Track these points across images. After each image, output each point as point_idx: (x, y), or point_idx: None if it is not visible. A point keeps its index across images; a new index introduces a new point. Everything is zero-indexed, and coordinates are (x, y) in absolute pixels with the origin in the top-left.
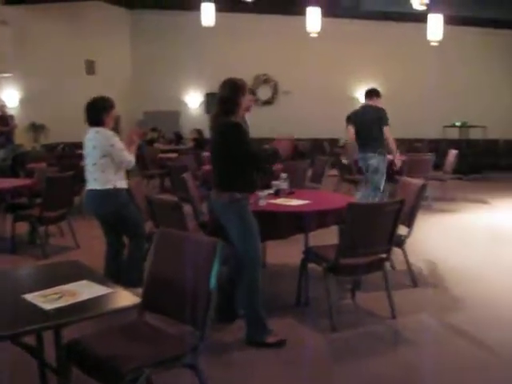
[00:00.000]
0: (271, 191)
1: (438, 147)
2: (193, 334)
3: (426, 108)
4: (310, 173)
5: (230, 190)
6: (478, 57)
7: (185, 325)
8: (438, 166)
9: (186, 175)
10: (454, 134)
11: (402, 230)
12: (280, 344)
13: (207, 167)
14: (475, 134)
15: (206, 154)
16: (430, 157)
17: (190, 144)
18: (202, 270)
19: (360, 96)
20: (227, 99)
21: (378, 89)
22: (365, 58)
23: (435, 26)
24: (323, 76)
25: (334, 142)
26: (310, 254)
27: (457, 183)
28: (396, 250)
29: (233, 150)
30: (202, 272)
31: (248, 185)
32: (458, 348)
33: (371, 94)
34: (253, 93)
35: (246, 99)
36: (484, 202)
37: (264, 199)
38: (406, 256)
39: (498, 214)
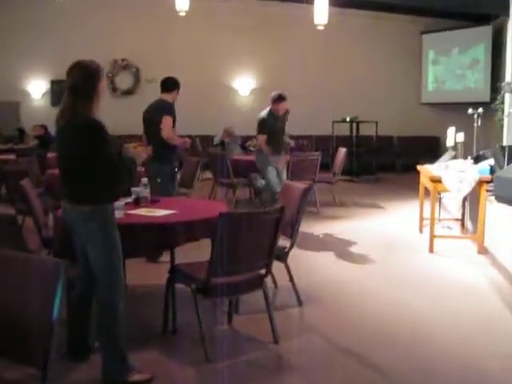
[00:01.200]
0: (129, 200)
1: (328, 145)
2: (35, 376)
3: (314, 100)
4: (178, 176)
5: (88, 199)
6: (371, 44)
7: (25, 366)
8: (326, 166)
9: (25, 182)
10: (344, 130)
11: (283, 241)
12: (145, 383)
13: (53, 171)
14: (367, 130)
15: (52, 154)
16: (316, 156)
17: (33, 142)
18: (44, 297)
19: (239, 87)
20: (80, 87)
21: (258, 79)
22: (242, 43)
23: (322, 7)
24: (194, 63)
25: (206, 139)
26: (177, 273)
27: (347, 186)
28: (277, 265)
29: (91, 157)
30: (44, 300)
31: (110, 193)
32: (346, 370)
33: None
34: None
35: (104, 85)
36: (377, 206)
37: (121, 210)
38: (289, 271)
39: (392, 219)
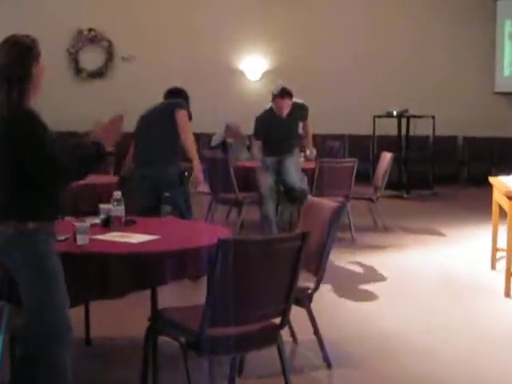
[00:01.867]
0: (97, 220)
1: (366, 148)
2: None
3: (347, 88)
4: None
5: (16, 216)
6: (427, 13)
7: None
8: (364, 177)
9: None
10: (389, 128)
11: (305, 279)
12: None
13: None
14: (421, 129)
15: None
16: (351, 164)
17: None
18: None
19: (246, 69)
20: (10, 69)
21: (272, 59)
22: (251, 11)
23: None
24: (186, 36)
25: (202, 139)
26: (161, 322)
27: (394, 204)
28: (298, 312)
29: (24, 156)
30: None
31: (50, 208)
32: None
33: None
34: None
35: (42, 68)
36: (434, 232)
37: (85, 234)
38: (313, 320)
39: (454, 250)
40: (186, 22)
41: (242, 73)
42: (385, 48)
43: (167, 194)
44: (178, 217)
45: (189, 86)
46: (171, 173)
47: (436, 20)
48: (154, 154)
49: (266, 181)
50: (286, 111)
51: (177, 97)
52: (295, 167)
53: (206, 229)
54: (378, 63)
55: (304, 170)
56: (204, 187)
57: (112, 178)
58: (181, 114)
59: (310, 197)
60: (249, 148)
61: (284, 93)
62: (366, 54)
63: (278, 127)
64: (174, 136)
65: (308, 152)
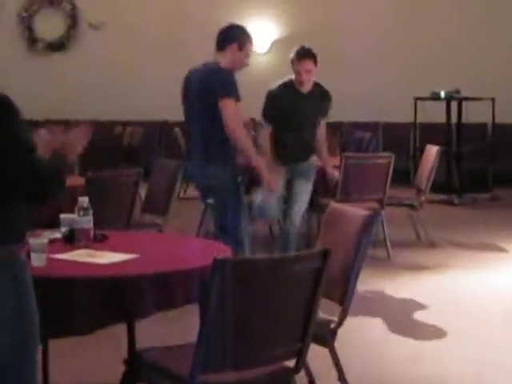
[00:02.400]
0: (57, 234)
1: (405, 140)
2: None
3: (381, 64)
4: (143, 194)
5: None
6: None
7: None
8: (404, 176)
9: None
10: (436, 114)
11: (328, 310)
12: None
13: None
14: (477, 115)
15: None
16: (386, 160)
17: None
18: None
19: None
20: None
21: (282, 26)
22: None
23: None
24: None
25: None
26: (141, 366)
27: (442, 211)
28: (318, 351)
29: None
30: None
31: (16, 225)
32: None
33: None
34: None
35: None
36: (495, 248)
37: (41, 253)
38: (337, 363)
39: None
40: None
41: None
42: (430, 13)
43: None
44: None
45: (174, 62)
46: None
47: None
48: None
49: (259, 199)
50: (307, 80)
51: (220, 39)
52: (305, 191)
53: (198, 245)
54: (420, 31)
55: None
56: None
57: (76, 180)
58: (224, 103)
59: (332, 203)
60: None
61: (303, 53)
62: (404, 20)
63: (296, 104)
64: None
65: (329, 171)
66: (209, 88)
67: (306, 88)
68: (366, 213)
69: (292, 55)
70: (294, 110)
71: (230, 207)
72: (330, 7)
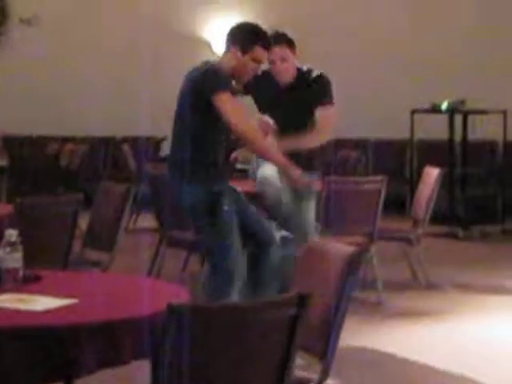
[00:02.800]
0: None
1: (400, 160)
2: None
3: (371, 70)
4: (84, 225)
5: None
6: None
7: None
8: (398, 204)
9: None
10: (437, 129)
11: (305, 366)
12: None
13: None
14: (485, 131)
15: None
16: (377, 184)
17: None
18: None
19: (214, 38)
20: None
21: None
22: None
23: None
24: None
25: (145, 145)
26: None
27: (444, 247)
28: None
29: None
30: None
31: None
32: None
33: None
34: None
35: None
36: (506, 292)
37: None
38: None
39: None
40: None
41: (207, 44)
42: (430, 13)
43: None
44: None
45: (122, 66)
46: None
47: None
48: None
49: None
50: (283, 70)
51: (229, 37)
52: (310, 209)
53: (149, 287)
54: (418, 33)
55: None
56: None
57: (3, 208)
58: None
59: (311, 238)
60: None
61: (276, 38)
62: (400, 21)
63: (272, 94)
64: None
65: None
66: (196, 87)
67: (286, 79)
68: (349, 250)
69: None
70: (272, 110)
71: (206, 234)
72: (318, 8)
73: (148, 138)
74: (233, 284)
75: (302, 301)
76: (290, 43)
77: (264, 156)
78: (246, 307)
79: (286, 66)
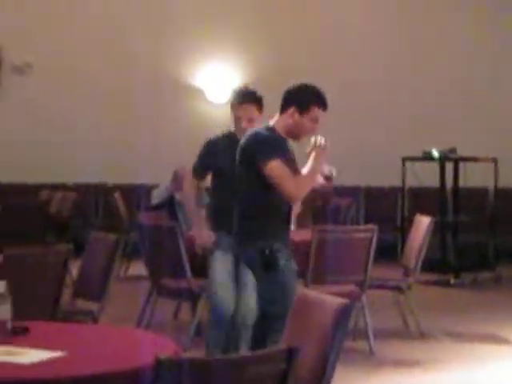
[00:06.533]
0: None
1: (391, 208)
2: None
3: (362, 118)
4: (74, 272)
5: None
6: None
7: None
8: (389, 252)
9: None
10: (428, 177)
11: None
12: None
13: None
14: (476, 178)
15: None
16: (368, 233)
17: None
18: None
19: (207, 86)
20: None
21: (243, 76)
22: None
23: None
24: (114, 38)
25: (136, 195)
26: None
27: (435, 295)
28: None
29: None
30: None
31: None
32: None
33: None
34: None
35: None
36: (500, 341)
37: None
38: None
39: None
40: (111, 13)
41: (200, 92)
42: (422, 60)
43: None
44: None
45: (116, 114)
46: None
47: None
48: None
49: (223, 284)
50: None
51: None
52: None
53: (137, 338)
54: (409, 81)
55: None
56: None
57: None
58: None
59: (301, 290)
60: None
61: (245, 96)
62: (392, 68)
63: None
64: None
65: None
66: (245, 152)
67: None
68: (338, 302)
69: (232, 97)
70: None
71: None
72: (300, 51)
73: (140, 186)
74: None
75: (292, 354)
76: (258, 103)
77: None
78: (233, 361)
79: (251, 126)
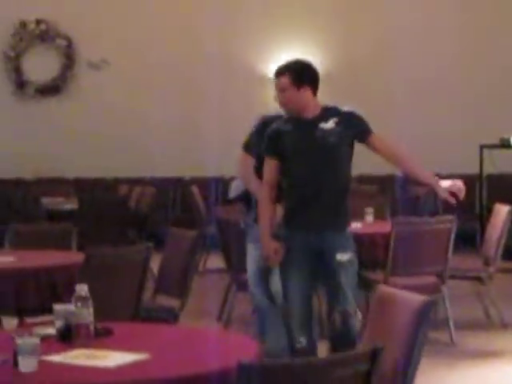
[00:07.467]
0: (50, 330)
1: (470, 197)
2: None
3: (436, 105)
4: (155, 269)
5: None
6: None
7: None
8: (468, 242)
9: None
10: (507, 164)
11: None
12: None
13: None
14: None
15: None
16: (447, 224)
17: None
18: None
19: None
20: None
21: (322, 59)
22: None
23: None
24: (185, 31)
25: (213, 188)
26: None
27: None
28: None
29: None
30: None
31: None
32: None
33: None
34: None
35: None
36: None
37: (31, 355)
38: None
39: None
40: (183, 12)
41: (269, 81)
42: (499, 42)
43: None
44: None
45: (190, 108)
46: None
47: None
48: None
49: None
50: (282, 103)
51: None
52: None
53: (220, 339)
54: (487, 65)
55: (361, 238)
56: None
57: (74, 256)
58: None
59: (381, 286)
60: None
61: (277, 69)
62: (468, 52)
63: (306, 140)
64: None
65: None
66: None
67: (284, 105)
68: (419, 300)
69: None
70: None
71: None
72: (372, 41)
73: (216, 179)
74: None
75: (375, 355)
76: (290, 73)
77: None
78: (318, 364)
79: (285, 98)
